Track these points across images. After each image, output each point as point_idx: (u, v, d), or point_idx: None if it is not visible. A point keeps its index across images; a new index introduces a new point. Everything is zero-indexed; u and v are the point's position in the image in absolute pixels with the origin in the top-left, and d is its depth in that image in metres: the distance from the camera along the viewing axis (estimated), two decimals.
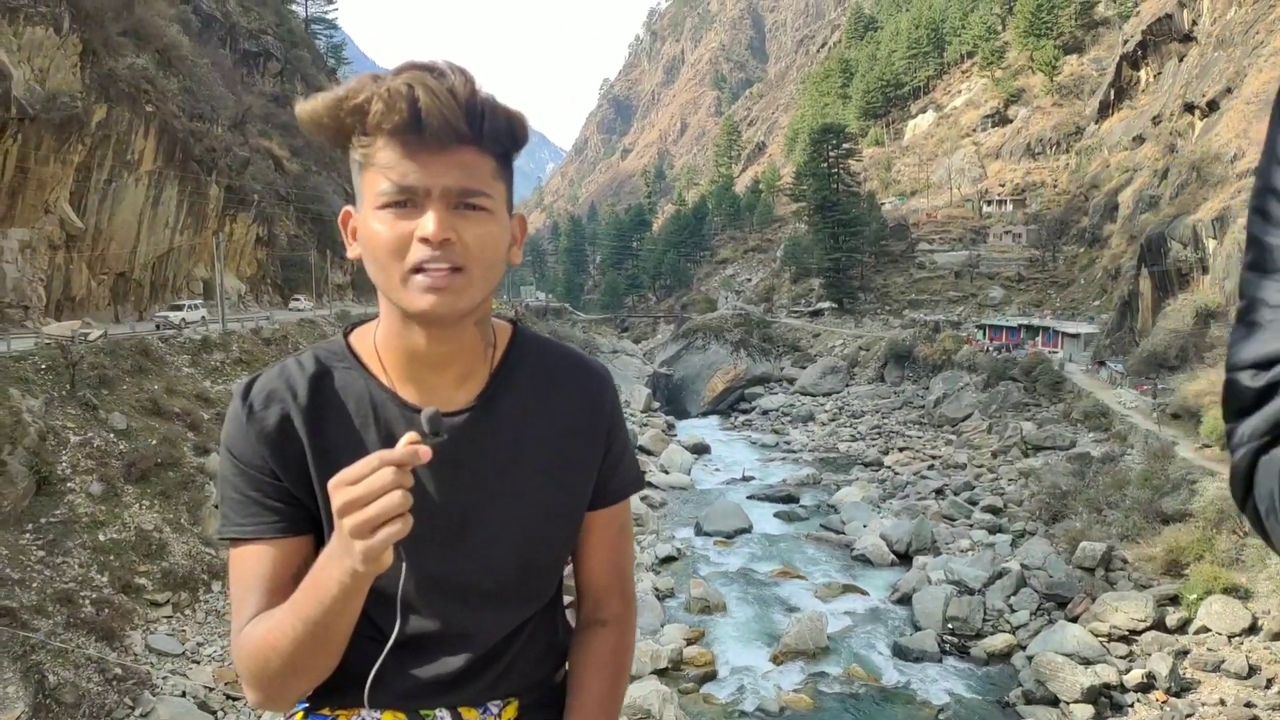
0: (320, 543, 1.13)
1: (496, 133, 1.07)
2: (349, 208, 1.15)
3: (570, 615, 1.40)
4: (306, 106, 1.07)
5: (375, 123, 1.03)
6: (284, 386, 1.18)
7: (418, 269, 1.05)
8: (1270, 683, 15.92)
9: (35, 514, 15.89)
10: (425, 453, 0.95)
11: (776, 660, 19.29)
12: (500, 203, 1.10)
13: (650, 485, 34.69)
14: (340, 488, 0.94)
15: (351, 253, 1.14)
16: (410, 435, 0.97)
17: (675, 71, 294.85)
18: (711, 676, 18.56)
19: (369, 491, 0.93)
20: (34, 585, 14.28)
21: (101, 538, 16.29)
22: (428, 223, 1.04)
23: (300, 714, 1.24)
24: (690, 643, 19.71)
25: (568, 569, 1.40)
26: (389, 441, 1.13)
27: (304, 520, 1.17)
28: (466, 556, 1.20)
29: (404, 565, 1.15)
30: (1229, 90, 46.71)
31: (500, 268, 1.12)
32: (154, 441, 19.59)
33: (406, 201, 1.05)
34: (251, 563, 1.15)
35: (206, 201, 36.11)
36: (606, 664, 1.33)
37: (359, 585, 1.00)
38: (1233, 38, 49.62)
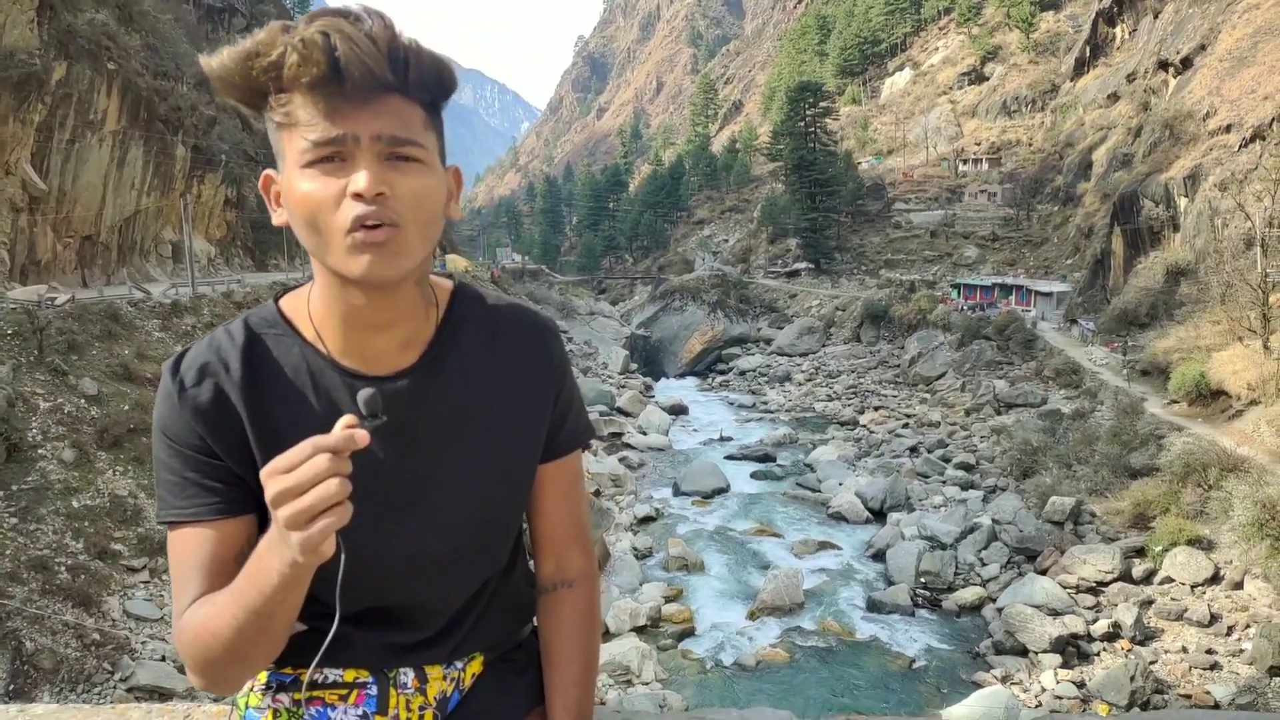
0: (263, 520, 1.07)
1: (423, 79, 1.01)
2: (270, 171, 1.09)
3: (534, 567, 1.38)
4: (214, 63, 0.99)
5: (291, 77, 0.96)
6: (216, 359, 1.12)
7: (353, 228, 0.98)
8: (1231, 630, 16.39)
9: (6, 481, 15.73)
10: (363, 437, 0.90)
11: (753, 616, 19.60)
12: (433, 154, 1.04)
13: (628, 446, 34.84)
14: (273, 477, 0.89)
15: (278, 219, 1.08)
16: (346, 419, 0.91)
17: (651, 28, 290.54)
18: (690, 633, 18.85)
19: (303, 481, 0.87)
20: (7, 552, 14.18)
21: (75, 504, 16.16)
22: (359, 177, 0.97)
23: (263, 674, 1.22)
24: (669, 600, 19.98)
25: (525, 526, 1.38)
26: (332, 411, 1.08)
27: (244, 499, 1.11)
28: (425, 523, 1.16)
29: (376, 540, 1.13)
30: (1203, 47, 46.73)
31: (439, 223, 1.06)
32: (126, 407, 19.38)
33: (334, 156, 0.98)
34: (191, 545, 1.10)
35: (173, 162, 35.34)
36: (578, 634, 1.31)
37: (299, 575, 0.94)
38: None
